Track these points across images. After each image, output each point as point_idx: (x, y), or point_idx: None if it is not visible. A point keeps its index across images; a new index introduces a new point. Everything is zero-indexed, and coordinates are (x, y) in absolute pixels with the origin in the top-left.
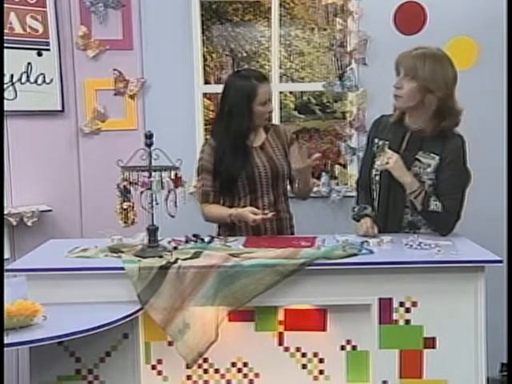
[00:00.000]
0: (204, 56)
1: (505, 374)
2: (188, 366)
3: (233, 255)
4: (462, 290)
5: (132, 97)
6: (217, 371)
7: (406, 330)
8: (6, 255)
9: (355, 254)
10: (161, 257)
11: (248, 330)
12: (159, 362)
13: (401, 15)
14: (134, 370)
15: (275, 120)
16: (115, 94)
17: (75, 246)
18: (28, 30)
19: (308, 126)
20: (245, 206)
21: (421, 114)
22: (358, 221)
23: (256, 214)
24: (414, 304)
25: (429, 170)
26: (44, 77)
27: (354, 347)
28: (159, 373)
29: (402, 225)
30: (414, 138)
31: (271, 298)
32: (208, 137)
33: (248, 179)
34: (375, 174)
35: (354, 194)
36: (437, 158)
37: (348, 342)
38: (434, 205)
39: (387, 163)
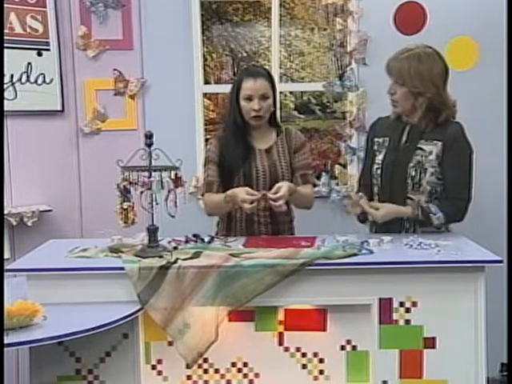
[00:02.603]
0: (204, 56)
1: (505, 374)
2: (188, 366)
3: (233, 255)
4: (462, 290)
5: (132, 97)
6: (217, 371)
7: (405, 330)
8: (6, 255)
9: (355, 254)
10: (161, 257)
11: (248, 330)
12: (159, 362)
13: (401, 15)
14: (133, 370)
15: None
16: (115, 94)
17: (75, 246)
18: (28, 30)
19: (308, 126)
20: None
21: (416, 114)
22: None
23: (251, 194)
24: (414, 304)
25: (431, 157)
26: (44, 77)
27: (354, 347)
28: (159, 373)
29: (403, 217)
30: (415, 129)
31: (271, 298)
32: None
33: (245, 180)
34: (376, 169)
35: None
36: (439, 143)
37: (348, 341)
38: (436, 218)
39: (378, 217)
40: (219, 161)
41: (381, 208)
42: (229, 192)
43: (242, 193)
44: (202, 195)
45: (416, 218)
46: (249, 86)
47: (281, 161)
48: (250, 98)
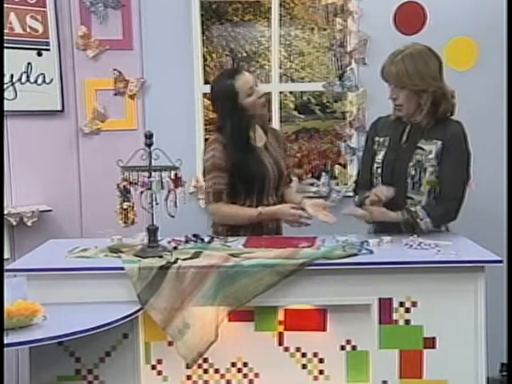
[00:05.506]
0: (204, 56)
1: (505, 374)
2: (188, 366)
3: (233, 255)
4: (462, 290)
5: (132, 97)
6: (217, 371)
7: (405, 330)
8: (6, 255)
9: (355, 254)
10: (161, 257)
11: (248, 330)
12: (159, 362)
13: (401, 15)
14: (133, 370)
15: (275, 120)
16: (115, 94)
17: (75, 246)
18: (28, 30)
19: (308, 126)
20: (250, 206)
21: (420, 112)
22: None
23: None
24: (414, 304)
25: (430, 156)
26: (44, 77)
27: (353, 347)
28: (159, 373)
29: (393, 221)
30: (415, 129)
31: (271, 298)
32: (212, 136)
33: (259, 179)
34: (377, 168)
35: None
36: (439, 143)
37: (348, 342)
38: (424, 223)
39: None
40: (228, 166)
41: (372, 210)
42: (263, 211)
43: (289, 209)
44: (208, 203)
45: (407, 222)
46: (243, 81)
47: (278, 157)
48: (249, 93)
